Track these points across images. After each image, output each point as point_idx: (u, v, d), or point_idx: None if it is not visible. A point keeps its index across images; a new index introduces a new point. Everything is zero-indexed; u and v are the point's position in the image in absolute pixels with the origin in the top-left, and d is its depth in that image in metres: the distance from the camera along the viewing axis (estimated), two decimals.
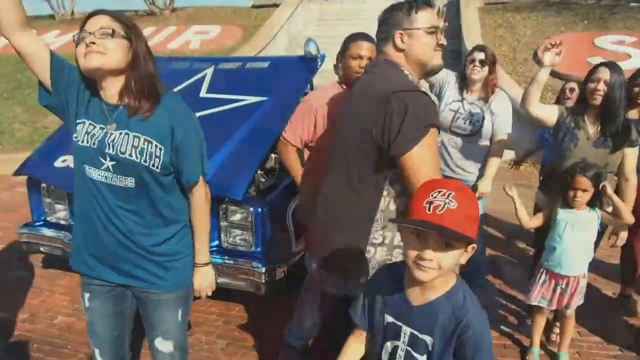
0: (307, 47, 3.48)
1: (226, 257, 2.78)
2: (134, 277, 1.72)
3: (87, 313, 1.79)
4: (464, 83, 3.10)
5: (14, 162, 6.47)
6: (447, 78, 3.18)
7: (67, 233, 3.12)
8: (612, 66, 2.56)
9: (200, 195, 1.76)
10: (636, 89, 3.02)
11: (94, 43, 1.50)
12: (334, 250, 1.66)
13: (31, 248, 3.24)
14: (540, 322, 2.70)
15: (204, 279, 1.86)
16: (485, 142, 3.03)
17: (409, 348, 1.28)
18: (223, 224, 2.81)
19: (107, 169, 1.61)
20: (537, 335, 2.72)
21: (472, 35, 10.37)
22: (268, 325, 2.99)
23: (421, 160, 1.50)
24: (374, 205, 1.62)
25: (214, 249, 2.82)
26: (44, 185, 3.15)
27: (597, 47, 9.80)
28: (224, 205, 2.76)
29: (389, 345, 1.32)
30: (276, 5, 13.90)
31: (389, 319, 1.31)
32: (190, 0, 19.28)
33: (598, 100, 2.55)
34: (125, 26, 1.56)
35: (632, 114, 3.07)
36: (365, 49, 2.44)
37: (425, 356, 1.26)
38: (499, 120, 3.00)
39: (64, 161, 3.06)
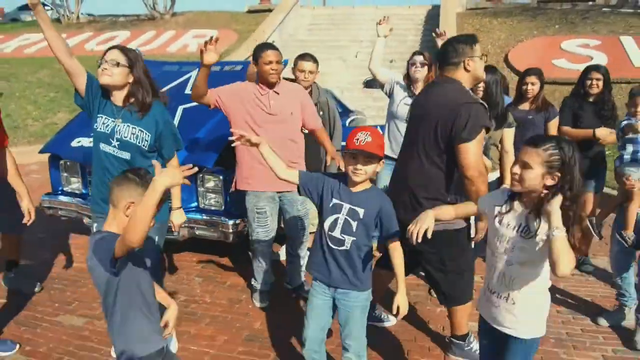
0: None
1: (203, 215, 3.62)
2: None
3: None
4: (409, 82, 3.90)
5: (29, 154, 7.35)
6: (395, 79, 3.96)
7: (81, 199, 3.97)
8: (490, 69, 3.39)
9: (174, 164, 2.64)
10: (524, 87, 3.87)
11: (106, 68, 2.36)
12: (417, 200, 2.56)
13: (52, 213, 4.08)
14: None
15: (178, 218, 2.73)
16: None
17: (347, 217, 2.12)
18: (200, 189, 3.65)
19: (114, 147, 2.48)
20: None
21: None
22: (236, 268, 3.83)
23: (472, 150, 2.37)
24: (439, 176, 2.52)
25: (193, 208, 3.66)
26: (62, 161, 4.00)
27: (563, 50, 10.61)
28: (201, 175, 3.60)
29: (331, 218, 2.15)
30: (269, 11, 14.74)
31: (335, 201, 2.15)
32: (190, 5, 20.21)
33: (481, 94, 3.38)
34: (128, 58, 2.42)
35: (524, 106, 3.91)
36: (272, 55, 3.10)
37: (356, 222, 2.11)
38: None
39: (79, 142, 3.91)
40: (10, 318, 3.07)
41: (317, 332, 2.25)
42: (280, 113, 3.12)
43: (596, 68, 3.92)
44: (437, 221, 1.97)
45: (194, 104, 3.98)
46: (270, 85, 3.12)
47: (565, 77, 9.03)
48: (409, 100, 3.72)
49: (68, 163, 3.99)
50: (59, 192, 4.09)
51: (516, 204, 1.88)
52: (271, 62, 3.05)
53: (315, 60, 3.67)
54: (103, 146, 2.50)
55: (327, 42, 12.90)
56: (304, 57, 3.68)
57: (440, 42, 3.50)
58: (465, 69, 2.54)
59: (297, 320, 2.71)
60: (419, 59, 3.81)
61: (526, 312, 1.90)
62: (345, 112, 6.48)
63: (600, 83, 3.83)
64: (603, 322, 3.18)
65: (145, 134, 2.51)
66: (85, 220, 3.92)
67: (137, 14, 16.49)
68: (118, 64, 2.39)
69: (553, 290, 2.61)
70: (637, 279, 3.13)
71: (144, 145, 2.51)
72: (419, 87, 3.80)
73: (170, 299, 2.01)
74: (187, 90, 4.27)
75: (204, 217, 3.60)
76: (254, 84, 3.20)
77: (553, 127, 3.88)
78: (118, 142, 2.48)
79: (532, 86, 3.87)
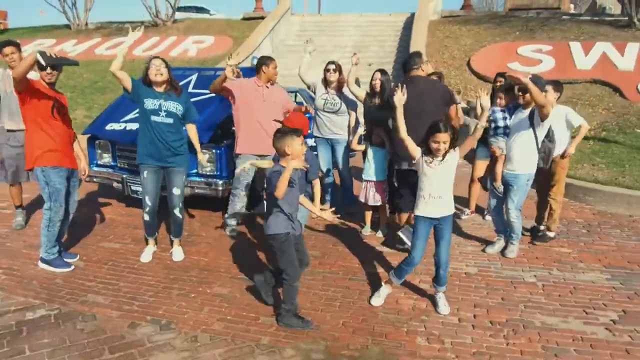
0: (252, 61, 5.67)
1: (202, 178, 5.03)
2: (167, 162, 3.99)
3: (143, 181, 4.03)
4: (326, 83, 5.32)
5: None
6: (316, 80, 5.38)
7: (110, 169, 5.38)
8: (382, 71, 4.86)
9: (193, 126, 4.09)
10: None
11: (158, 71, 3.79)
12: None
13: (89, 180, 5.47)
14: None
15: (202, 159, 4.20)
16: (344, 116, 5.25)
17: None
18: (198, 159, 5.06)
19: (162, 116, 3.90)
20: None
21: (417, 47, 12.57)
22: (220, 217, 5.23)
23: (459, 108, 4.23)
24: None
25: (194, 173, 5.07)
26: (97, 141, 5.41)
27: (518, 54, 12.04)
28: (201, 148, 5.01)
29: None
30: (262, 18, 16.14)
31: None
32: (189, 12, 21.57)
33: (378, 88, 4.81)
34: (165, 64, 3.84)
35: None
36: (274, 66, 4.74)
37: None
38: (349, 101, 5.22)
39: (111, 126, 5.31)
40: (67, 247, 4.46)
41: None
42: (269, 99, 4.61)
43: (436, 73, 5.43)
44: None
45: (196, 99, 5.43)
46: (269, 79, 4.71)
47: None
48: (325, 96, 5.19)
49: (102, 142, 5.39)
50: (94, 164, 5.50)
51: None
52: (275, 68, 4.62)
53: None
54: (153, 117, 3.92)
55: (315, 47, 14.29)
56: (273, 59, 5.05)
57: (355, 65, 4.94)
58: (421, 69, 4.34)
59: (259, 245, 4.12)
60: (331, 66, 5.22)
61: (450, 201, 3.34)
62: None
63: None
64: (491, 249, 4.57)
65: (181, 106, 3.97)
66: (114, 184, 5.33)
67: (141, 21, 17.84)
68: (166, 68, 3.86)
69: (463, 232, 4.16)
70: (500, 217, 4.55)
71: (179, 113, 3.99)
72: (332, 88, 5.22)
73: None
74: (190, 89, 5.69)
75: (202, 180, 5.02)
76: (254, 79, 4.66)
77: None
78: (165, 113, 3.93)
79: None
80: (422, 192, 3.32)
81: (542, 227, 4.96)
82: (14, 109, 4.44)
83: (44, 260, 3.95)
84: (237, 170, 4.50)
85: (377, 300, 3.48)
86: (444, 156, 3.22)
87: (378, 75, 4.95)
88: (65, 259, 4.04)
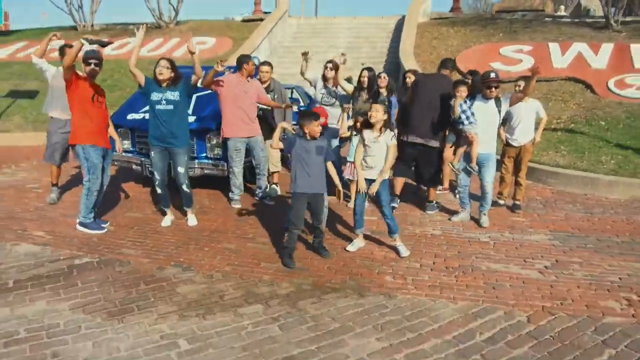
0: (254, 59, 6.48)
1: (210, 161, 5.84)
2: (170, 144, 4.78)
3: (152, 159, 4.84)
4: (324, 79, 6.14)
5: None
6: (317, 77, 6.20)
7: (130, 154, 6.18)
8: (369, 69, 5.67)
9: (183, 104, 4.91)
10: (406, 79, 6.09)
11: (160, 70, 4.59)
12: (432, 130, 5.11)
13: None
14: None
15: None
16: (339, 108, 6.04)
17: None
18: (208, 145, 5.86)
19: (164, 104, 4.68)
20: None
21: (406, 47, 13.41)
22: (226, 194, 6.03)
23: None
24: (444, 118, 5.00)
25: (203, 157, 5.87)
26: (119, 129, 6.21)
27: (501, 54, 12.86)
28: (208, 135, 5.82)
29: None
30: (261, 20, 16.94)
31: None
32: (192, 14, 22.46)
33: (365, 84, 5.63)
34: (171, 64, 4.64)
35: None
36: (268, 69, 5.59)
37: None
38: (342, 97, 6.04)
39: (131, 116, 6.12)
40: (99, 215, 5.24)
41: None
42: (250, 91, 5.43)
43: (412, 71, 6.23)
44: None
45: (203, 93, 6.25)
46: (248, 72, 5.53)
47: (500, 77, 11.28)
48: (323, 90, 6.00)
49: (123, 130, 6.20)
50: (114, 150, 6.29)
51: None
52: (253, 65, 5.45)
53: (270, 65, 5.96)
54: (157, 106, 4.69)
55: (309, 48, 15.08)
56: (264, 63, 5.95)
57: (342, 64, 5.79)
58: (450, 70, 5.46)
59: (259, 212, 4.92)
60: (330, 65, 6.04)
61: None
62: (313, 101, 8.68)
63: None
64: (456, 218, 5.39)
65: (177, 93, 4.71)
66: (133, 166, 6.13)
67: (145, 23, 18.64)
68: (168, 68, 4.62)
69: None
70: (464, 191, 5.36)
71: (178, 99, 4.72)
72: (330, 83, 6.03)
73: None
74: (198, 85, 6.49)
75: (210, 162, 5.83)
76: (237, 74, 5.47)
77: None
78: (165, 102, 4.68)
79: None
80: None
81: (501, 201, 5.82)
82: (66, 102, 5.24)
83: (82, 224, 4.75)
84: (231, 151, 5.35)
85: (351, 247, 4.37)
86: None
87: (366, 72, 5.78)
88: (99, 224, 4.84)
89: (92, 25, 19.04)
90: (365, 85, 5.77)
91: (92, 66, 4.56)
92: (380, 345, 2.91)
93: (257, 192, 5.87)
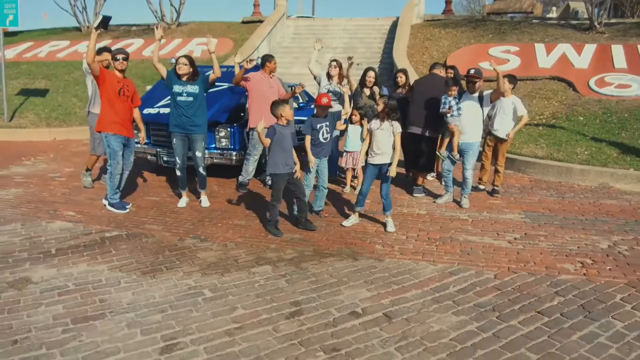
0: (258, 61, 7.08)
1: (219, 150, 6.44)
2: (190, 131, 5.40)
3: (174, 145, 5.46)
4: (329, 76, 6.75)
5: (82, 132, 10.07)
6: (321, 74, 6.82)
7: (146, 146, 6.77)
8: (372, 68, 6.27)
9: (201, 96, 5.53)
10: (397, 79, 6.71)
11: (180, 65, 5.21)
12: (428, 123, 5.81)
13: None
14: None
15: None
16: (340, 106, 6.64)
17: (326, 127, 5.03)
18: (217, 136, 6.46)
19: (185, 96, 5.31)
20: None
21: (400, 48, 14.04)
22: (232, 183, 6.63)
23: None
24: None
25: (213, 147, 6.47)
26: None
27: (489, 54, 13.48)
28: (218, 127, 6.42)
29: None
30: (260, 22, 17.54)
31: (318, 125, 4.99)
32: (193, 16, 23.04)
33: (371, 83, 6.25)
34: (190, 60, 5.26)
35: (399, 92, 6.75)
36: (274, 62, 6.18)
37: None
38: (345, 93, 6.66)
39: (147, 111, 6.72)
40: (121, 198, 5.84)
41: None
42: (274, 86, 6.06)
43: (402, 70, 6.82)
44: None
45: (212, 90, 6.84)
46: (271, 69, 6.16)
47: (488, 76, 11.91)
48: (328, 86, 6.59)
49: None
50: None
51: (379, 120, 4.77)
52: (275, 63, 6.07)
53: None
54: (179, 98, 5.32)
55: (307, 49, 15.62)
56: (272, 57, 6.52)
57: (350, 69, 6.40)
58: (441, 70, 6.04)
59: (261, 196, 5.53)
60: (334, 63, 6.65)
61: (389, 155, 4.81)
62: (311, 99, 9.31)
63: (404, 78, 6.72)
64: (440, 200, 6.01)
65: (197, 86, 5.34)
66: (149, 157, 6.73)
67: (147, 24, 19.23)
68: (186, 64, 5.24)
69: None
70: (447, 176, 5.98)
71: (197, 92, 5.35)
72: (334, 81, 6.64)
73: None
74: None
75: (219, 152, 6.43)
76: (261, 71, 6.09)
77: None
78: (186, 94, 5.31)
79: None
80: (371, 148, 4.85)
81: (481, 186, 6.45)
82: None
83: (110, 204, 5.36)
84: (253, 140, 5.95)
85: (347, 222, 4.98)
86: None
87: (372, 74, 6.43)
88: (123, 205, 5.45)
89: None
90: (370, 83, 6.40)
91: (120, 60, 5.15)
92: (370, 294, 3.53)
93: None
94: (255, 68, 6.33)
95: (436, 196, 6.20)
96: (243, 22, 18.73)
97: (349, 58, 6.53)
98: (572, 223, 5.27)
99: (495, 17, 16.94)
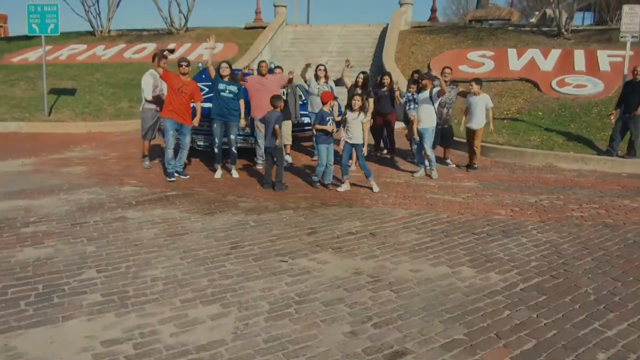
0: (270, 65, 8.75)
1: (240, 137, 8.11)
2: (227, 119, 7.13)
3: (214, 129, 7.17)
4: (316, 77, 8.44)
5: (113, 125, 11.76)
6: (311, 77, 8.51)
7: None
8: (364, 72, 8.01)
9: (242, 101, 7.24)
10: (384, 80, 8.43)
11: (223, 69, 6.95)
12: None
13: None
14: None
15: (242, 123, 7.35)
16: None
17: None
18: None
19: (227, 93, 7.05)
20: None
21: (389, 52, 15.77)
22: (250, 163, 8.30)
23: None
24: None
25: (238, 135, 8.15)
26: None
27: (467, 59, 15.26)
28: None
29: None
30: (262, 27, 19.21)
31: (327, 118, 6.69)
32: (199, 22, 24.68)
33: (360, 83, 7.97)
34: (230, 65, 7.00)
35: (383, 90, 8.47)
36: (279, 70, 7.91)
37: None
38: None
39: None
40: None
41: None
42: (265, 85, 7.75)
43: (388, 74, 8.57)
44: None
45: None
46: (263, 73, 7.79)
47: (464, 77, 13.69)
48: (318, 86, 8.26)
49: None
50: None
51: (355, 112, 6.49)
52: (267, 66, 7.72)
53: (281, 68, 8.33)
54: (222, 93, 7.02)
55: (305, 52, 17.38)
56: (277, 67, 8.29)
57: (347, 70, 8.12)
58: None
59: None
60: (322, 67, 8.37)
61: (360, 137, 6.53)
62: (308, 93, 10.99)
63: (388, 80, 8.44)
64: (416, 174, 7.71)
65: (235, 87, 7.06)
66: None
67: (157, 29, 20.84)
68: (227, 67, 6.96)
69: (400, 167, 7.46)
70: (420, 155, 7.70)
71: (235, 91, 7.06)
72: (321, 81, 8.33)
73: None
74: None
75: (241, 137, 8.10)
76: (257, 74, 7.78)
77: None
78: (228, 91, 7.01)
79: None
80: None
81: (452, 165, 8.19)
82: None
83: (165, 172, 7.05)
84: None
85: (341, 189, 6.64)
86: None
87: (362, 75, 8.16)
88: (171, 175, 7.11)
89: (109, 31, 21.18)
90: (360, 84, 8.10)
91: (183, 67, 6.84)
92: (361, 224, 5.24)
93: (256, 160, 8.17)
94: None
95: (411, 171, 7.93)
96: (246, 28, 20.38)
97: (347, 61, 8.24)
98: (513, 188, 7.00)
99: (476, 24, 18.71)
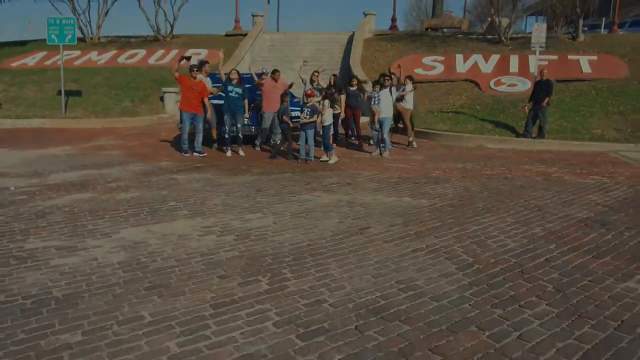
0: (264, 69, 11.06)
1: (245, 127, 10.41)
2: (235, 112, 9.44)
3: (225, 119, 9.47)
4: (311, 81, 10.84)
5: (121, 122, 13.85)
6: (307, 79, 10.90)
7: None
8: (334, 75, 10.47)
9: (246, 100, 9.58)
10: (352, 82, 10.89)
11: (233, 74, 9.28)
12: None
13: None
14: None
15: (245, 117, 9.70)
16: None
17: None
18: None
19: (234, 93, 9.37)
20: None
21: (355, 57, 18.28)
22: (254, 148, 10.59)
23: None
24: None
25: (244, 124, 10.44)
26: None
27: (422, 63, 17.89)
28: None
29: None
30: (242, 35, 21.43)
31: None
32: (183, 29, 26.63)
33: (332, 83, 10.40)
34: (238, 72, 9.33)
35: (352, 89, 10.94)
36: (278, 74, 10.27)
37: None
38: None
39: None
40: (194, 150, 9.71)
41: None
42: (277, 87, 10.11)
43: (355, 76, 11.09)
44: None
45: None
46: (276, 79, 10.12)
47: (420, 79, 16.30)
48: (309, 86, 10.68)
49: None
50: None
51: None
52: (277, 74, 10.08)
53: (279, 71, 10.66)
54: (230, 93, 9.31)
55: (281, 58, 19.73)
56: (274, 71, 10.64)
57: (303, 67, 10.56)
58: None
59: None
60: (316, 74, 10.79)
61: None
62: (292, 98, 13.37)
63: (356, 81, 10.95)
64: (374, 154, 10.16)
65: (241, 89, 9.38)
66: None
67: (144, 36, 22.78)
68: (236, 73, 9.27)
69: (364, 149, 9.94)
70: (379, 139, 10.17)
71: (240, 92, 9.38)
72: (315, 83, 10.74)
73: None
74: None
75: (246, 126, 10.39)
76: (270, 78, 10.12)
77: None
78: (234, 92, 9.32)
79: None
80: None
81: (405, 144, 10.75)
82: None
83: (181, 150, 9.33)
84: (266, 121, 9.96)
85: (331, 161, 9.02)
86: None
87: (332, 77, 10.61)
88: (188, 152, 9.35)
89: (98, 38, 22.99)
90: (332, 84, 10.53)
91: (195, 71, 9.11)
92: (338, 179, 7.64)
93: (272, 143, 10.51)
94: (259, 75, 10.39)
95: (369, 152, 10.42)
96: (226, 35, 22.56)
97: (320, 67, 10.65)
98: (448, 160, 9.55)
99: (431, 32, 21.43)
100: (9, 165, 8.41)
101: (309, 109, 8.98)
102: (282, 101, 9.27)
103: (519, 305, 3.59)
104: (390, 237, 5.02)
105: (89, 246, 4.62)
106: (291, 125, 9.22)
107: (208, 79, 9.92)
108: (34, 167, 8.27)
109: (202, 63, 9.95)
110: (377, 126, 10.02)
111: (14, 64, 20.26)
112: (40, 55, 21.17)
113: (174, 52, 20.54)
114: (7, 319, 3.27)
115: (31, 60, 20.58)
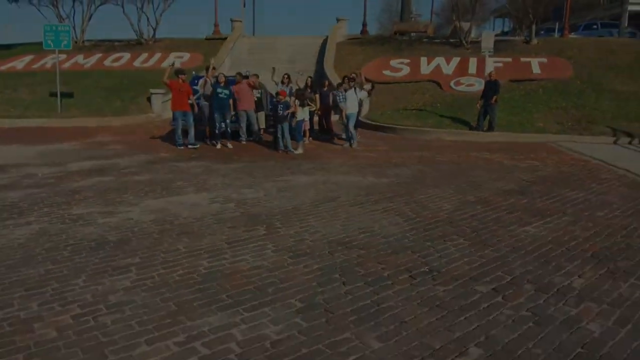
0: (246, 73, 12.47)
1: (231, 122, 11.80)
2: (223, 110, 10.84)
3: (216, 118, 10.85)
4: (282, 82, 12.28)
5: (114, 120, 15.10)
6: (279, 80, 12.33)
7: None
8: (310, 76, 11.95)
9: (231, 97, 11.03)
10: (325, 82, 12.37)
11: (219, 77, 10.70)
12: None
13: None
14: None
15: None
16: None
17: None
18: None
19: (222, 93, 10.77)
20: None
21: (328, 60, 19.80)
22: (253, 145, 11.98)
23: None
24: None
25: (229, 121, 11.82)
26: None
27: (390, 65, 19.49)
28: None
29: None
30: (221, 39, 22.72)
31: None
32: (165, 33, 27.68)
33: (309, 84, 11.89)
34: (224, 76, 10.75)
35: (324, 89, 12.44)
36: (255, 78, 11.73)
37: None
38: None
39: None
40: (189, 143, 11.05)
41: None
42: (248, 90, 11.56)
43: (327, 78, 12.62)
44: None
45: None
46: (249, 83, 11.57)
47: (387, 80, 17.93)
48: (282, 87, 12.15)
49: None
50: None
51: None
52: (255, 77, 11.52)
53: (257, 75, 12.09)
54: (219, 95, 10.68)
55: (260, 60, 21.08)
56: (255, 75, 12.07)
57: (299, 76, 12.05)
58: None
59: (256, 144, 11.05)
60: (286, 75, 12.24)
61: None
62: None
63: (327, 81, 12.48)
64: (345, 145, 11.66)
65: (227, 91, 10.77)
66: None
67: (128, 40, 23.86)
68: (224, 77, 10.68)
69: (335, 142, 11.43)
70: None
71: (228, 93, 10.78)
72: (284, 85, 12.21)
73: None
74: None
75: (231, 123, 11.77)
76: (244, 82, 11.56)
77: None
78: (222, 93, 10.69)
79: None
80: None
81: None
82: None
83: (174, 143, 10.70)
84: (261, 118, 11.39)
85: (298, 151, 10.52)
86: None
87: (309, 79, 12.06)
88: (183, 144, 10.71)
89: (83, 42, 23.96)
90: (308, 85, 12.01)
91: (183, 77, 10.49)
92: (315, 165, 9.12)
93: (253, 137, 11.91)
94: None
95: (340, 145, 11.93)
96: (207, 39, 23.82)
97: (299, 71, 12.11)
98: (409, 149, 11.11)
99: (399, 37, 23.10)
100: (27, 158, 9.63)
101: (283, 105, 10.40)
102: (260, 103, 10.60)
103: (444, 240, 5.12)
104: (355, 202, 6.53)
105: (123, 211, 6.00)
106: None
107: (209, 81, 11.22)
108: (50, 159, 9.51)
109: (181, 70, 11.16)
110: (345, 121, 11.52)
111: (2, 67, 21.15)
112: (27, 58, 22.09)
113: (157, 55, 21.72)
114: (82, 252, 4.64)
115: (19, 63, 21.51)
